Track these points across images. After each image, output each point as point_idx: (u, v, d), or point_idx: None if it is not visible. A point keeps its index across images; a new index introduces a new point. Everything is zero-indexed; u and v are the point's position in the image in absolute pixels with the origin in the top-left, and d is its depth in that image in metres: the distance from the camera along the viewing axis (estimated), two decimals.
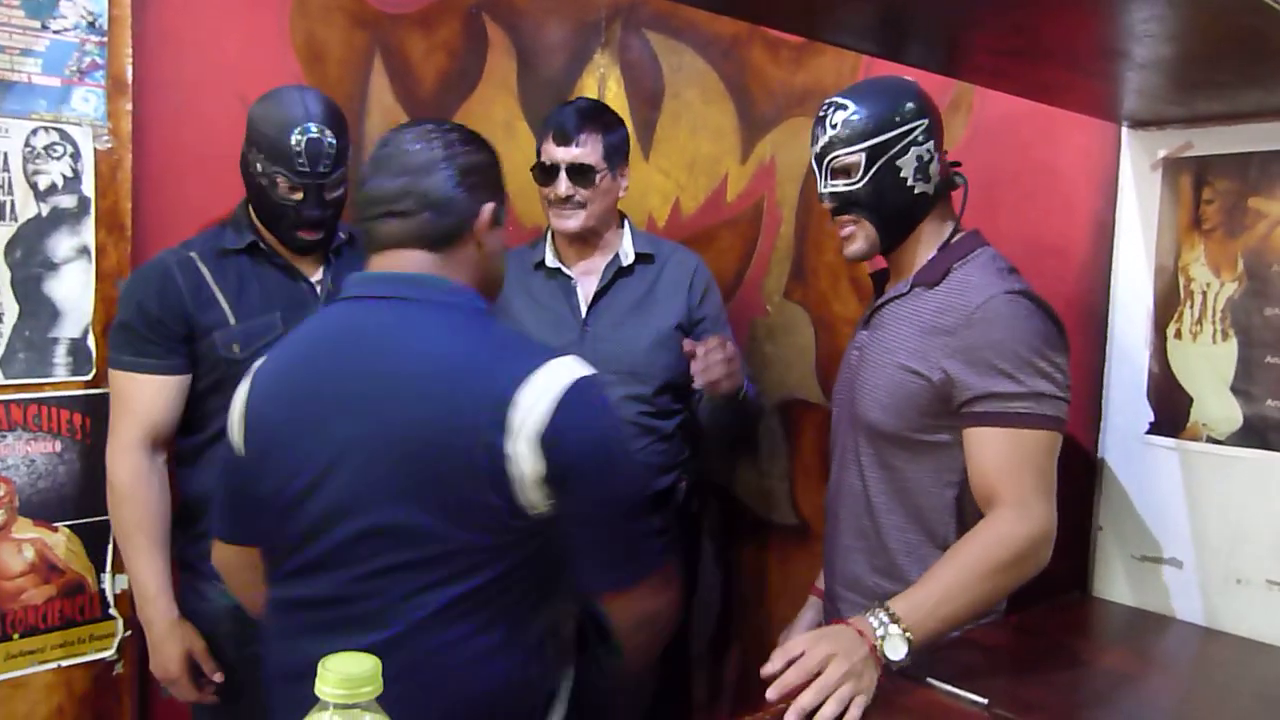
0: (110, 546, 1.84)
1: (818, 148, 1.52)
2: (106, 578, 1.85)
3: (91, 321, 1.81)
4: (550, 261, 2.03)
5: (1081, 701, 1.36)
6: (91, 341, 1.81)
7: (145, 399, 1.68)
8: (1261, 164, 1.53)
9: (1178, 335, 1.62)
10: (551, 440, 1.13)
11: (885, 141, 1.46)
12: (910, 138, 1.47)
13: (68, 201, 1.78)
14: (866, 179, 1.47)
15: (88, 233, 1.80)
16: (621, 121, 2.05)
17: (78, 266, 1.79)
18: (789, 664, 1.20)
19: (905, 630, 1.26)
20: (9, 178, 1.71)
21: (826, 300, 2.15)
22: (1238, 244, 1.55)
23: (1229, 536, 1.55)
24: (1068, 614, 1.65)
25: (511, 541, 1.17)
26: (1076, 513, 1.73)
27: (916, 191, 1.49)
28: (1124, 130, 1.67)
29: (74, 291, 1.79)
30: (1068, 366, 1.41)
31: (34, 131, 1.73)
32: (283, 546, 1.23)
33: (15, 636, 1.76)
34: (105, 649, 1.86)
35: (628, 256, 2.05)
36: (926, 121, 1.48)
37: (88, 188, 1.79)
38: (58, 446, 1.79)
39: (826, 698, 1.17)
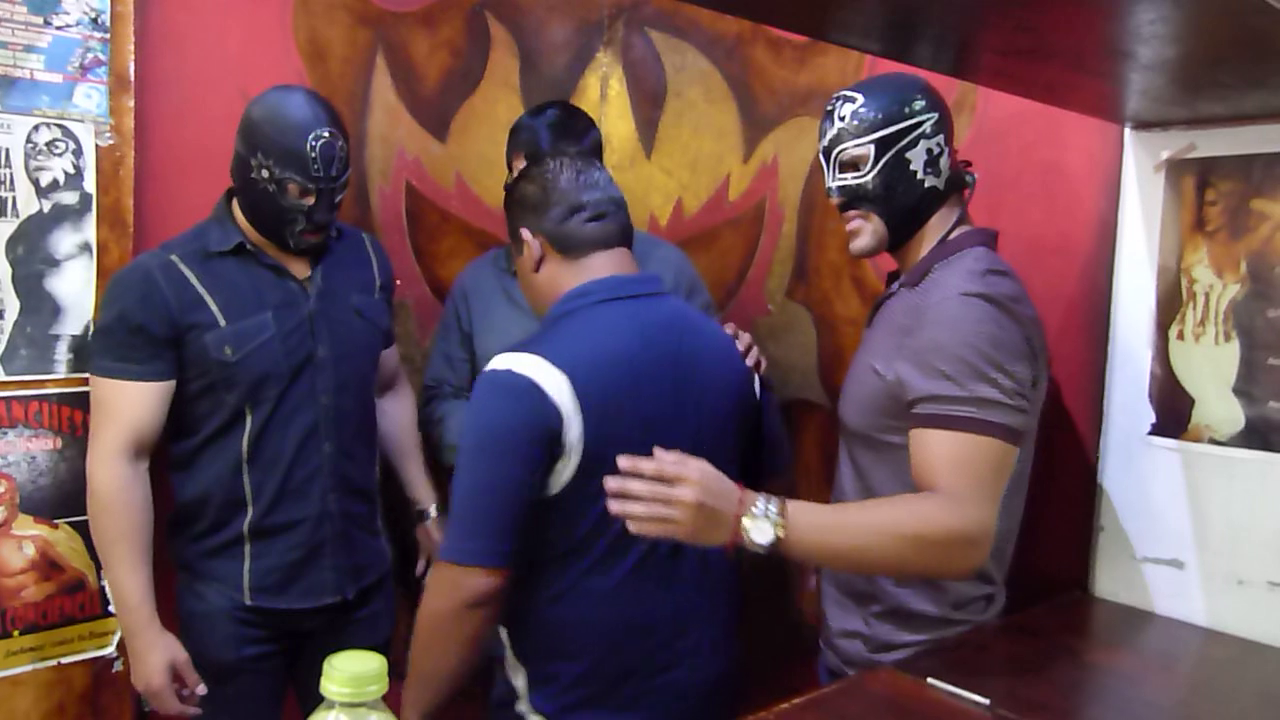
0: None
1: (825, 140, 1.50)
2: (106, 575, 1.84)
3: (93, 318, 1.80)
4: None
5: (1083, 702, 1.37)
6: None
7: (128, 406, 1.65)
8: (1265, 166, 1.53)
9: (1180, 336, 1.62)
10: None
11: (894, 133, 1.45)
12: (920, 130, 1.45)
13: (69, 198, 1.77)
14: (875, 171, 1.45)
15: (89, 229, 1.80)
16: (593, 124, 2.01)
17: (79, 263, 1.79)
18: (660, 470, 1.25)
19: (779, 526, 1.25)
20: (11, 174, 1.71)
21: (829, 300, 2.15)
22: (1240, 246, 1.55)
23: (1230, 538, 1.56)
24: (1069, 614, 1.65)
25: None
26: (1078, 513, 1.73)
27: (926, 185, 1.47)
28: (1127, 131, 1.67)
29: (75, 288, 1.79)
30: (1029, 374, 1.36)
31: (36, 128, 1.73)
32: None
33: (15, 633, 1.75)
34: (105, 646, 1.85)
35: None
36: (936, 115, 1.47)
37: (90, 184, 1.79)
38: (59, 443, 1.78)
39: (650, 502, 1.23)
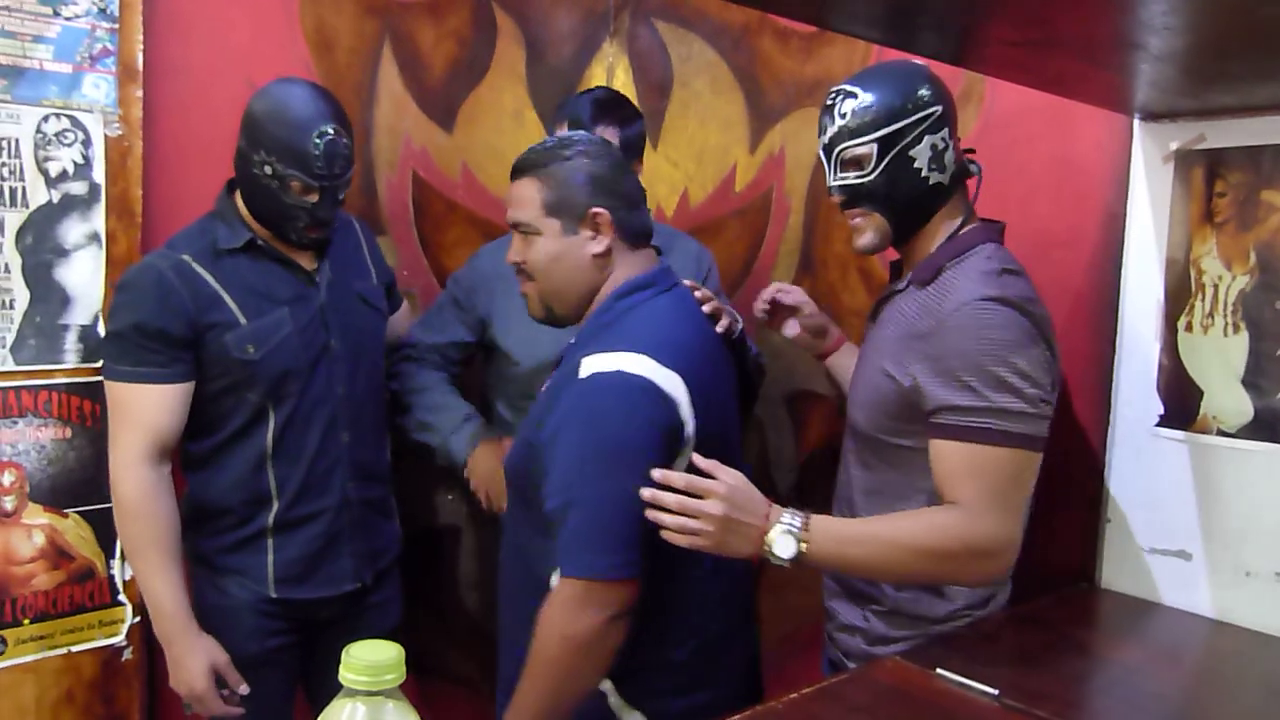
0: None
1: (826, 138, 1.47)
2: (116, 564, 1.85)
3: (101, 308, 1.81)
4: None
5: (1091, 692, 1.37)
6: (101, 328, 1.81)
7: (148, 409, 1.63)
8: (1274, 157, 1.52)
9: (1188, 328, 1.62)
10: None
11: (898, 131, 1.41)
12: (924, 125, 1.42)
13: (78, 188, 1.77)
14: (879, 171, 1.42)
15: (98, 219, 1.80)
16: (640, 115, 2.00)
17: (88, 253, 1.79)
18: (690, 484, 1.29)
19: (803, 540, 1.27)
20: (20, 164, 1.71)
21: (835, 291, 2.15)
22: (1250, 237, 1.55)
23: (1238, 529, 1.56)
24: (1076, 605, 1.66)
25: None
26: (1085, 505, 1.73)
27: (931, 182, 1.44)
28: (1136, 122, 1.67)
29: (84, 278, 1.79)
30: (1048, 378, 1.35)
31: (45, 118, 1.73)
32: None
33: (25, 622, 1.76)
34: (114, 635, 1.86)
35: None
36: (941, 108, 1.43)
37: (98, 174, 1.79)
38: (68, 433, 1.79)
39: (681, 514, 1.27)
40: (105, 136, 1.80)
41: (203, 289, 1.66)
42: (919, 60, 1.47)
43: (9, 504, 1.74)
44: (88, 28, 1.76)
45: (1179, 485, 1.62)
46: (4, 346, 1.72)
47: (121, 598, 1.86)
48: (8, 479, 1.73)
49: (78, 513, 1.81)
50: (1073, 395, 1.75)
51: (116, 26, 1.79)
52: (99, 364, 1.80)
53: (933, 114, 1.43)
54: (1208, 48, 1.22)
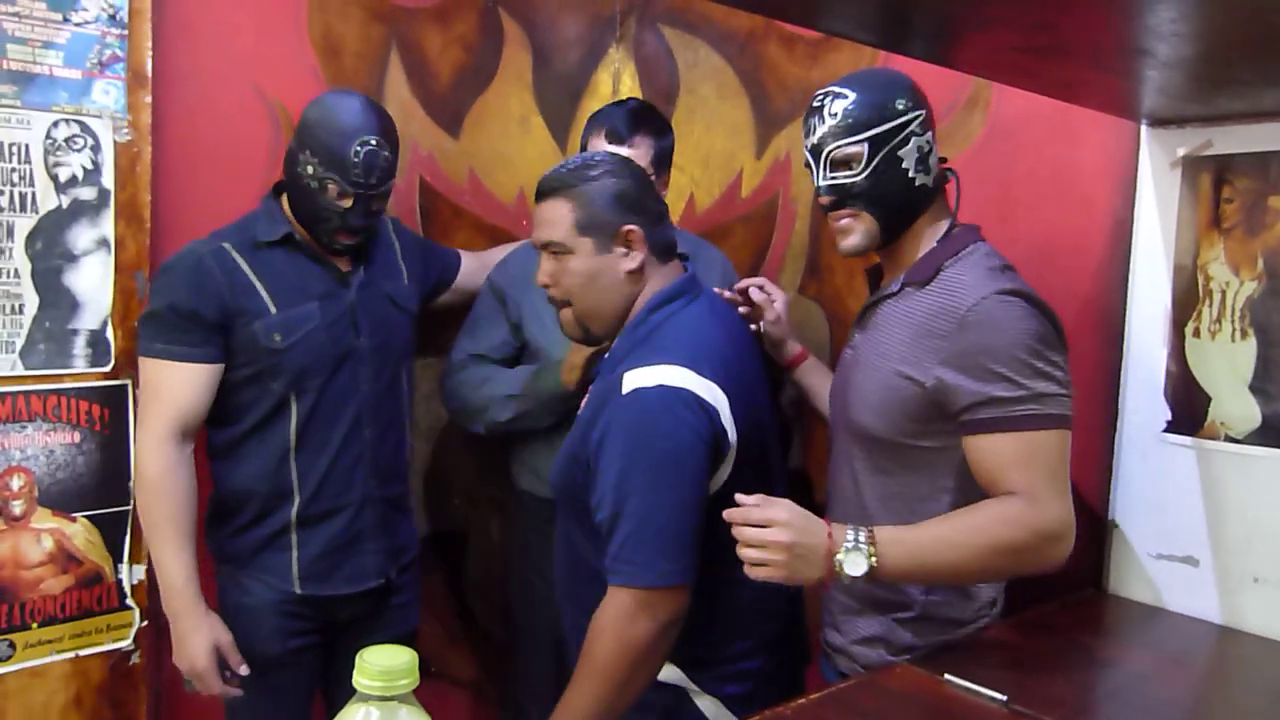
0: (128, 537, 1.85)
1: (815, 138, 1.48)
2: (124, 568, 1.86)
3: (110, 313, 1.81)
4: None
5: (1099, 698, 1.37)
6: (110, 333, 1.81)
7: (176, 387, 1.69)
8: None
9: (1196, 334, 1.62)
10: None
11: (887, 131, 1.43)
12: (910, 127, 1.45)
13: (88, 193, 1.78)
14: (869, 170, 1.44)
15: (107, 225, 1.81)
16: (671, 128, 2.01)
17: (97, 258, 1.80)
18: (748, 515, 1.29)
19: (873, 555, 1.27)
20: (30, 169, 1.72)
21: (841, 296, 2.15)
22: (1257, 243, 1.55)
23: (1246, 535, 1.56)
24: (1083, 611, 1.65)
25: None
26: (1092, 510, 1.73)
27: (917, 184, 1.46)
28: (1143, 128, 1.67)
29: (93, 283, 1.80)
30: (1066, 363, 1.39)
31: (55, 124, 1.74)
32: None
33: (34, 626, 1.76)
34: (122, 639, 1.87)
35: None
36: (924, 112, 1.47)
37: (107, 180, 1.80)
38: (77, 437, 1.79)
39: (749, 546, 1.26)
40: (114, 142, 1.81)
41: (238, 276, 1.73)
42: (928, 69, 1.48)
43: (18, 508, 1.74)
44: (97, 34, 1.77)
45: (1187, 491, 1.62)
46: (13, 351, 1.72)
47: (129, 602, 1.86)
48: (16, 483, 1.74)
49: (86, 517, 1.81)
50: (1080, 400, 1.73)
51: (126, 33, 1.80)
52: (108, 369, 1.81)
53: (918, 117, 1.46)
54: (1216, 54, 1.22)
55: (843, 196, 1.47)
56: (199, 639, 1.68)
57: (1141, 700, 1.34)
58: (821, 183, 1.48)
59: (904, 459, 1.45)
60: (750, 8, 1.65)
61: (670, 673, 1.51)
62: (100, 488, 1.82)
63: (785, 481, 1.65)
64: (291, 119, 2.07)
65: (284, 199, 1.82)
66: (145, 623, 1.88)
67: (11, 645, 1.74)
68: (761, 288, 1.87)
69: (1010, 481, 1.32)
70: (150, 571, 1.89)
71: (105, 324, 1.81)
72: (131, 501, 1.85)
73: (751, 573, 1.28)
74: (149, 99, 1.85)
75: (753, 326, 1.83)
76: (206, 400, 1.72)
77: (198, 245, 1.74)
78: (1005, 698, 1.25)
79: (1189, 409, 1.63)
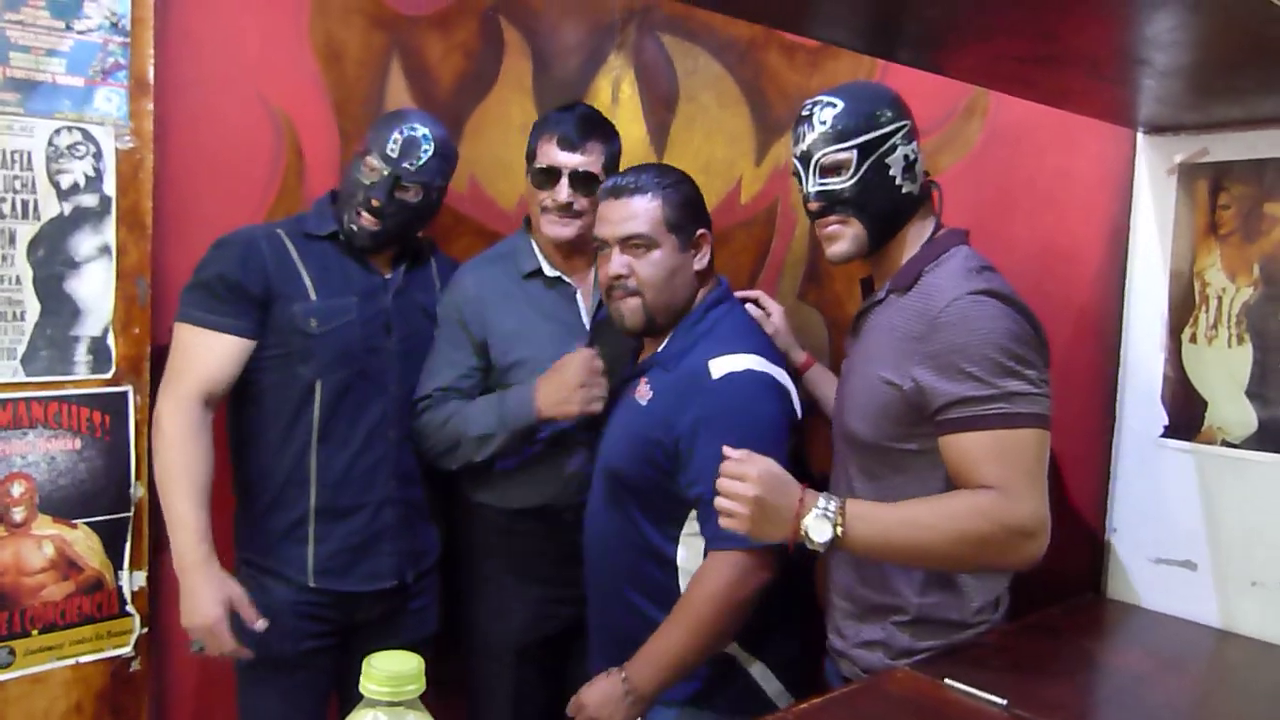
0: (128, 544, 1.85)
1: (804, 145, 1.50)
2: (125, 575, 1.86)
3: (112, 320, 1.82)
4: (549, 270, 1.97)
5: (1099, 702, 1.38)
6: (112, 340, 1.82)
7: (209, 354, 1.73)
8: (1278, 170, 1.54)
9: (1193, 339, 1.63)
10: None
11: (875, 139, 1.46)
12: (897, 136, 1.48)
13: (89, 200, 1.79)
14: (857, 176, 1.46)
15: (109, 232, 1.81)
16: (618, 133, 2.02)
17: (99, 265, 1.80)
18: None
19: (839, 524, 1.31)
20: (32, 177, 1.72)
21: (841, 302, 2.16)
22: (1254, 249, 1.56)
23: (1244, 539, 1.57)
24: (1083, 615, 1.66)
25: None
26: (1091, 515, 1.74)
27: (904, 191, 1.49)
28: (1140, 136, 1.68)
29: (95, 290, 1.80)
30: (1043, 362, 1.39)
31: (57, 131, 1.74)
32: None
33: (34, 632, 1.76)
34: (123, 646, 1.86)
35: None
36: (908, 124, 1.50)
37: (109, 187, 1.81)
38: (78, 444, 1.80)
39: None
40: (116, 149, 1.81)
41: (286, 260, 1.80)
42: (926, 79, 1.49)
43: (18, 515, 1.74)
44: (100, 42, 1.78)
45: (1184, 496, 1.63)
46: (15, 358, 1.72)
47: (130, 609, 1.86)
48: (17, 490, 1.74)
49: (87, 524, 1.81)
50: (1078, 406, 1.76)
51: (128, 41, 1.81)
52: (109, 375, 1.82)
53: (903, 126, 1.49)
54: (1214, 63, 1.23)
55: (831, 202, 1.49)
56: (209, 592, 1.67)
57: (1140, 704, 1.34)
58: (811, 189, 1.50)
59: (892, 463, 1.47)
60: (750, 17, 1.67)
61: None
62: (101, 494, 1.82)
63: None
64: (294, 126, 2.08)
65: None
66: (146, 629, 1.88)
67: (12, 652, 1.74)
68: (757, 301, 1.90)
69: (983, 477, 1.33)
70: (151, 579, 1.89)
71: (107, 331, 1.81)
72: (132, 509, 1.86)
73: (720, 522, 1.37)
74: (151, 106, 1.85)
75: None
76: (233, 373, 1.76)
77: (253, 228, 1.84)
78: (1005, 701, 1.25)
79: (1186, 414, 1.64)
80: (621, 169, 2.03)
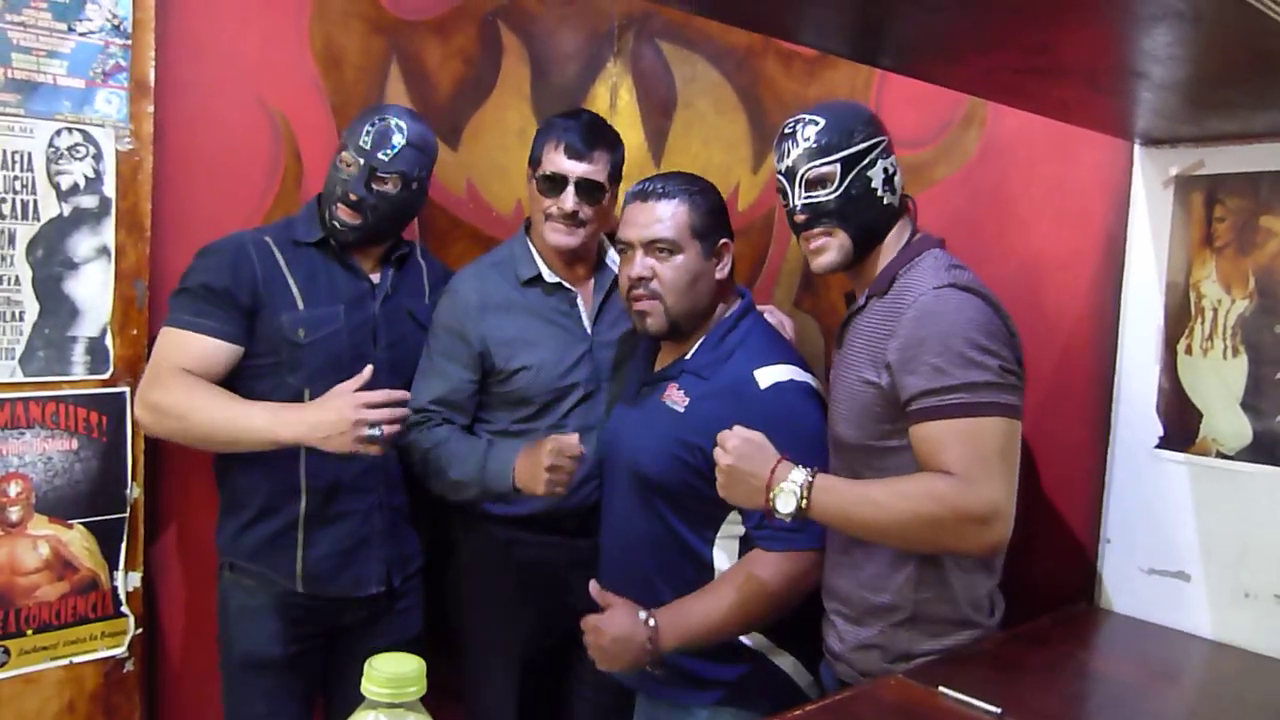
0: (124, 544, 1.85)
1: (789, 161, 1.55)
2: (119, 575, 1.86)
3: (110, 321, 1.82)
4: (550, 277, 1.96)
5: (1091, 711, 1.38)
6: (110, 340, 1.82)
7: (194, 355, 1.72)
8: (1273, 183, 1.55)
9: (1188, 351, 1.64)
10: None
11: (857, 153, 1.52)
12: (876, 151, 1.54)
13: (89, 202, 1.79)
14: (842, 189, 1.52)
15: (108, 233, 1.81)
16: (621, 141, 2.02)
17: (97, 266, 1.81)
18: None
19: (803, 498, 1.37)
20: (32, 177, 1.73)
21: (837, 310, 2.17)
22: (1249, 261, 1.57)
23: (1237, 551, 1.57)
24: (1076, 625, 1.67)
25: None
26: (1085, 525, 1.75)
27: (885, 202, 1.54)
28: (1137, 147, 1.69)
29: (93, 291, 1.80)
30: (1011, 352, 1.41)
31: (57, 132, 1.75)
32: None
33: (29, 632, 1.76)
34: (117, 646, 1.86)
35: (617, 266, 2.05)
36: (885, 139, 1.56)
37: (109, 188, 1.81)
38: (74, 444, 1.80)
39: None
40: (116, 151, 1.82)
41: (273, 268, 1.80)
42: (926, 90, 1.52)
43: (14, 515, 1.74)
44: (101, 44, 1.78)
45: (1178, 506, 1.64)
46: (13, 358, 1.73)
47: (124, 609, 1.86)
48: (14, 489, 1.74)
49: (83, 524, 1.81)
50: (1072, 416, 1.76)
51: (129, 43, 1.81)
52: (106, 376, 1.82)
53: (882, 142, 1.55)
54: (1210, 77, 1.24)
55: (817, 215, 1.54)
56: (317, 409, 1.66)
57: (1133, 714, 1.35)
58: (797, 202, 1.55)
59: (874, 462, 1.49)
60: (744, 24, 1.67)
61: (751, 638, 1.68)
62: (97, 495, 1.82)
63: None
64: (292, 129, 2.09)
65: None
66: (140, 630, 1.88)
67: (6, 651, 1.74)
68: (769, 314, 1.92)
69: (942, 464, 1.36)
70: (146, 579, 1.89)
71: (105, 331, 1.81)
72: (128, 509, 1.86)
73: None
74: (151, 108, 1.86)
75: None
76: (216, 376, 1.74)
77: (242, 234, 1.82)
78: (999, 710, 1.26)
79: (1181, 425, 1.64)
80: (618, 176, 2.04)
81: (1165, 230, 1.67)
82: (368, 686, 0.76)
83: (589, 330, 1.98)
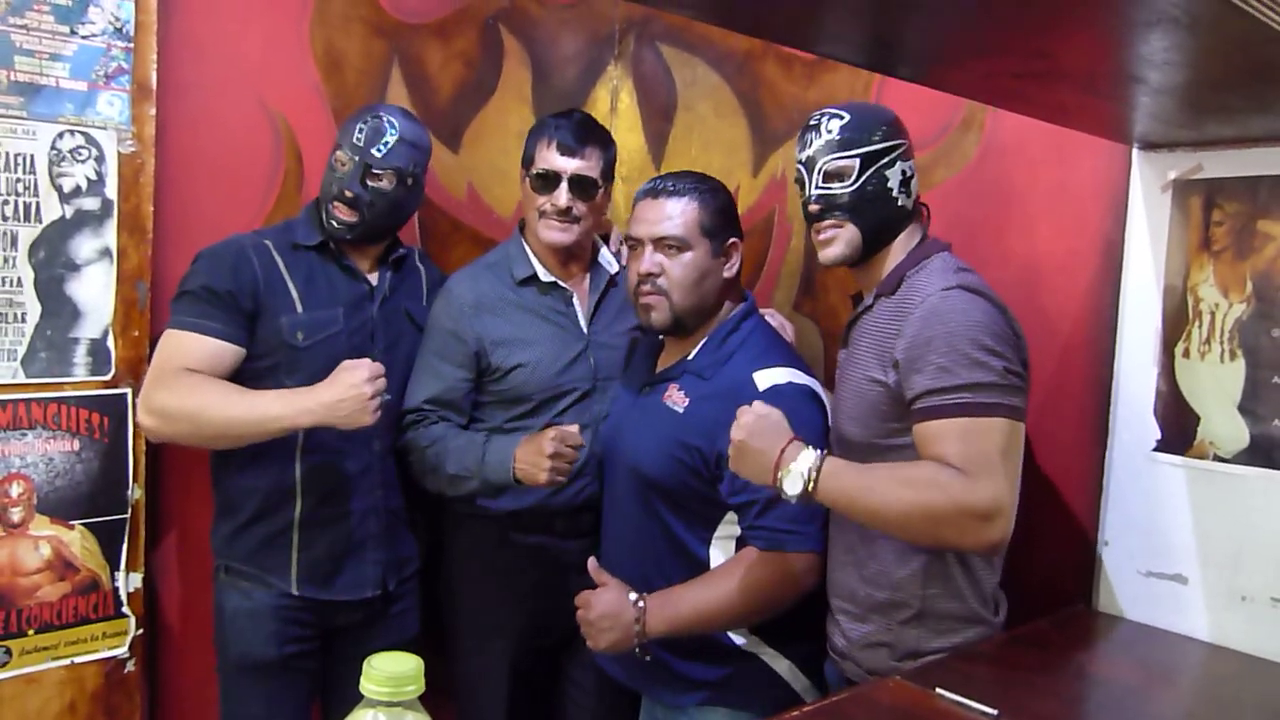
0: (125, 545, 1.86)
1: (810, 151, 1.57)
2: (121, 576, 1.86)
3: (112, 322, 1.82)
4: (545, 276, 1.97)
5: (1088, 713, 1.39)
6: (111, 342, 1.83)
7: (198, 356, 1.72)
8: (1271, 188, 1.55)
9: (1186, 354, 1.64)
10: None
11: (876, 151, 1.54)
12: (896, 152, 1.56)
13: (91, 204, 1.80)
14: (858, 184, 1.54)
15: (110, 235, 1.82)
16: (613, 139, 2.03)
17: (99, 268, 1.81)
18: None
19: (811, 481, 1.37)
20: (35, 180, 1.73)
21: (836, 313, 2.18)
22: (1246, 265, 1.58)
23: (1234, 553, 1.58)
24: (1073, 628, 1.67)
25: None
26: (1082, 528, 1.75)
27: (899, 203, 1.56)
28: (1135, 151, 1.70)
29: (95, 293, 1.81)
30: (1015, 354, 1.42)
31: (60, 134, 1.76)
32: None
33: (30, 632, 1.77)
34: (118, 646, 1.87)
35: (612, 265, 2.06)
36: (906, 144, 1.58)
37: (111, 190, 1.82)
38: (76, 445, 1.80)
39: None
40: (118, 153, 1.82)
41: (274, 271, 1.80)
42: (924, 93, 1.51)
43: (16, 515, 1.75)
44: (103, 46, 1.79)
45: (1176, 509, 1.64)
46: (15, 359, 1.73)
47: (125, 610, 1.87)
48: (15, 490, 1.75)
49: (84, 525, 1.82)
50: (1070, 419, 1.77)
51: (131, 46, 1.82)
52: (108, 377, 1.83)
53: (902, 145, 1.57)
54: (1207, 82, 1.25)
55: (831, 206, 1.56)
56: (328, 388, 1.68)
57: (1131, 716, 1.35)
58: (813, 192, 1.57)
59: (880, 460, 1.49)
60: (748, 30, 1.69)
61: (745, 639, 1.69)
62: (99, 495, 1.83)
63: None
64: (293, 132, 2.10)
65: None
66: (141, 630, 1.89)
67: (8, 651, 1.74)
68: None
69: (945, 458, 1.36)
70: (147, 580, 1.90)
71: (106, 333, 1.82)
72: (129, 510, 1.86)
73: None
74: (153, 111, 1.86)
75: None
76: (220, 376, 1.74)
77: (240, 237, 1.82)
78: (996, 712, 1.26)
79: (1178, 428, 1.65)
80: (620, 179, 2.05)
81: (1163, 234, 1.67)
82: (366, 685, 0.77)
83: (585, 329, 1.99)
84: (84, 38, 1.76)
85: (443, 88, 2.38)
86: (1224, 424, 1.59)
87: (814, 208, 1.57)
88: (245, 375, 1.77)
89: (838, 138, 1.54)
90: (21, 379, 1.74)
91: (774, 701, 1.64)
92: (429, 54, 2.34)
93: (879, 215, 1.55)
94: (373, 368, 1.69)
